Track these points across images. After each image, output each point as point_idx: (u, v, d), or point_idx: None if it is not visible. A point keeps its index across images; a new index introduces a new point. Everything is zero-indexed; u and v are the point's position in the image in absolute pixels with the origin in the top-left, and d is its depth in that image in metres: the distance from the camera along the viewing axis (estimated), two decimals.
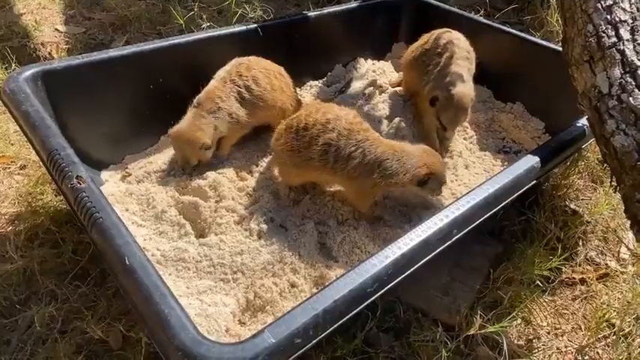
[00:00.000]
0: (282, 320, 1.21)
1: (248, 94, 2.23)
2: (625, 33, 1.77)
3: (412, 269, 1.45)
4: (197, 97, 2.19)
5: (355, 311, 1.31)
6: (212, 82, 2.24)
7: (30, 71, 1.97)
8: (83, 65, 2.10)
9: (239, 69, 2.25)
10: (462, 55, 2.48)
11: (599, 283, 2.12)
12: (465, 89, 2.36)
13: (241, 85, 2.22)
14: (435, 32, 2.61)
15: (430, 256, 1.50)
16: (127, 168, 2.28)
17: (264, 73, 2.29)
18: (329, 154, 1.94)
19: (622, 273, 2.14)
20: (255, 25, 2.62)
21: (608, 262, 2.20)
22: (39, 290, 1.88)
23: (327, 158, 1.95)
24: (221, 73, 2.26)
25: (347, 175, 1.95)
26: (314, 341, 1.24)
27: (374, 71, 3.03)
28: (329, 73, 3.06)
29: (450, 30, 2.61)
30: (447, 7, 3.14)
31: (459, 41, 2.53)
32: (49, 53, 3.07)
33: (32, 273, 1.92)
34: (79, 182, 1.51)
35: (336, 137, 1.94)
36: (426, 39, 2.62)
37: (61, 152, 1.62)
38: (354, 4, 3.06)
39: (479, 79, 2.86)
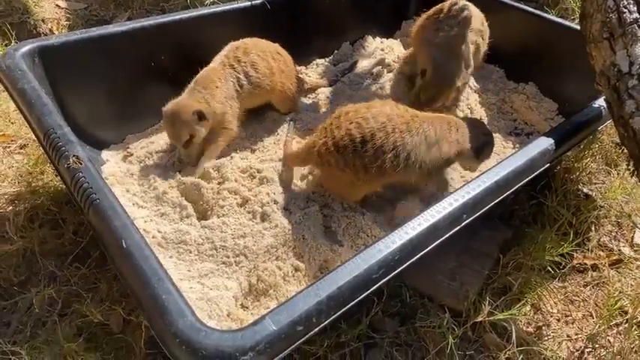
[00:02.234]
0: (284, 307, 1.16)
1: (246, 81, 2.17)
2: None
3: (420, 255, 1.39)
4: (195, 78, 2.11)
5: (360, 298, 1.27)
6: (210, 65, 2.16)
7: (26, 47, 1.91)
8: (81, 41, 2.03)
9: (236, 53, 2.17)
10: (475, 27, 2.42)
11: (612, 269, 2.06)
12: (450, 75, 2.31)
13: (240, 71, 2.16)
14: (449, 2, 2.49)
15: (439, 241, 1.44)
16: (128, 148, 2.23)
17: (262, 56, 2.22)
18: (400, 156, 1.79)
19: (635, 259, 2.08)
20: (261, 1, 2.54)
21: (622, 248, 2.14)
22: (39, 272, 1.85)
23: (398, 161, 1.79)
24: (218, 58, 2.18)
25: (419, 167, 1.84)
26: (317, 328, 1.20)
27: (382, 49, 2.94)
28: (335, 51, 2.97)
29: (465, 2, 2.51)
30: None
31: (470, 13, 2.42)
32: (50, 29, 3.01)
33: (32, 254, 1.90)
34: (75, 162, 1.46)
35: (399, 136, 1.80)
36: (439, 8, 2.49)
37: (57, 131, 1.57)
38: None
39: (490, 58, 2.79)
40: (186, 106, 2.00)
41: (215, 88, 2.08)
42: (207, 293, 1.63)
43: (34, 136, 2.28)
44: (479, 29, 2.47)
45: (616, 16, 1.71)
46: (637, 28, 1.66)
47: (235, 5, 2.47)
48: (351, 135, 1.80)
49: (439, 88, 2.31)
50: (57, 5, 3.15)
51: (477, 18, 2.48)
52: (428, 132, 1.86)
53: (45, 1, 3.14)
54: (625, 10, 1.69)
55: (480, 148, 2.02)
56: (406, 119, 1.86)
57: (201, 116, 2.01)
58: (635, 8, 1.69)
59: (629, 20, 1.68)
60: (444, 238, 1.46)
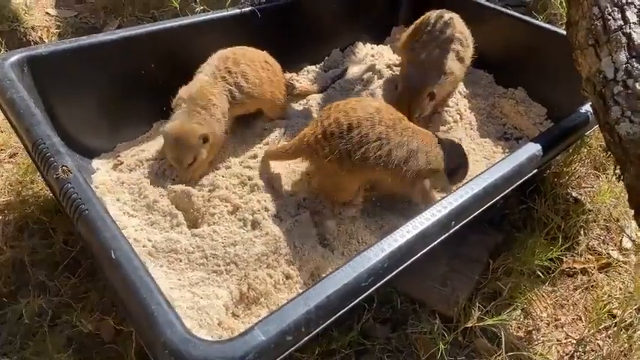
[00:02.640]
0: (273, 317, 1.17)
1: (238, 92, 2.16)
2: (632, 15, 1.70)
3: (409, 262, 1.40)
4: (188, 93, 2.08)
5: (349, 306, 1.27)
6: (202, 77, 2.14)
7: (15, 57, 1.90)
8: (71, 50, 2.03)
9: (227, 64, 2.16)
10: (455, 35, 2.49)
11: (601, 273, 2.08)
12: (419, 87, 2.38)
13: (232, 82, 2.15)
14: (429, 13, 2.58)
15: (428, 248, 1.45)
16: (118, 156, 2.23)
17: (252, 66, 2.22)
18: (383, 148, 1.83)
19: (624, 263, 2.10)
20: (251, 8, 2.54)
21: (610, 252, 2.16)
22: (29, 282, 1.84)
23: (380, 153, 1.83)
24: (208, 68, 2.16)
25: (395, 166, 1.86)
26: (306, 338, 1.20)
27: (372, 56, 2.96)
28: (326, 58, 2.98)
29: (445, 11, 2.58)
30: None
31: (452, 23, 2.52)
32: (40, 37, 3.00)
33: (22, 264, 1.88)
34: (64, 172, 1.46)
35: (385, 130, 1.84)
36: (420, 20, 2.60)
37: (46, 141, 1.56)
38: None
39: (479, 63, 2.81)
40: (193, 130, 1.98)
41: (212, 106, 2.06)
42: (198, 302, 1.63)
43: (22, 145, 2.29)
44: (457, 37, 2.51)
45: (601, 24, 1.73)
46: (621, 35, 1.68)
47: (226, 13, 2.48)
48: (339, 122, 1.85)
49: (409, 97, 2.39)
50: (47, 13, 3.14)
51: (457, 26, 2.53)
52: (410, 139, 1.89)
53: (35, 9, 3.14)
54: (610, 18, 1.71)
55: (454, 170, 2.05)
56: (394, 118, 1.91)
57: (205, 140, 2.01)
58: (620, 15, 1.71)
59: (613, 27, 1.70)
60: (432, 245, 1.47)
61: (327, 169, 1.90)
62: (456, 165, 2.05)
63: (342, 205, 2.02)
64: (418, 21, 2.62)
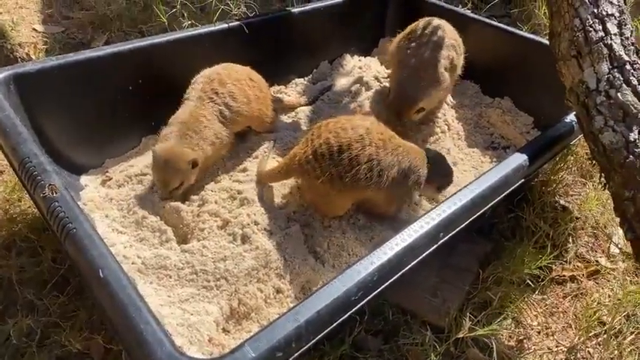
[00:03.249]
0: (263, 333, 1.16)
1: (228, 111, 2.13)
2: (612, 27, 1.74)
3: (398, 275, 1.41)
4: (178, 119, 2.05)
5: (339, 321, 1.27)
6: (189, 104, 2.10)
7: (1, 75, 1.89)
8: (58, 67, 2.02)
9: (213, 85, 2.12)
10: (447, 42, 2.50)
11: (590, 280, 2.10)
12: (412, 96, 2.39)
13: (220, 103, 2.11)
14: (421, 21, 2.60)
15: (417, 260, 1.46)
16: (107, 172, 2.22)
17: (238, 85, 2.19)
18: (373, 169, 1.83)
19: (612, 270, 2.12)
20: (238, 22, 2.56)
21: (599, 259, 2.18)
22: (17, 301, 1.82)
23: (372, 175, 1.83)
24: (194, 93, 2.12)
25: (386, 186, 1.87)
26: (297, 353, 1.20)
27: (360, 68, 2.98)
28: (314, 70, 3.00)
29: (434, 19, 2.60)
30: (434, 0, 3.10)
31: (444, 34, 2.52)
32: (27, 54, 2.98)
33: (10, 283, 1.86)
34: (51, 191, 1.45)
35: (375, 151, 1.83)
36: (411, 28, 2.61)
37: (33, 160, 1.55)
38: (339, 0, 3.00)
39: (466, 74, 2.84)
40: (183, 154, 1.95)
41: (204, 129, 2.04)
42: (188, 319, 1.62)
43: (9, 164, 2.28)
44: (451, 44, 2.53)
45: (583, 35, 1.76)
46: (603, 46, 1.71)
47: (214, 28, 2.48)
48: (329, 144, 1.84)
49: (400, 107, 2.41)
50: (34, 29, 3.13)
51: (450, 33, 2.55)
52: (402, 158, 1.90)
53: (22, 25, 3.12)
54: (591, 29, 1.74)
55: (442, 180, 2.08)
56: (384, 137, 1.89)
57: (194, 165, 1.98)
58: (601, 27, 1.74)
59: (595, 39, 1.73)
60: (421, 257, 1.48)
61: (318, 189, 1.90)
62: (443, 175, 2.07)
63: (332, 218, 2.02)
64: (411, 26, 2.61)
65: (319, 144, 1.86)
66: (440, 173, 2.06)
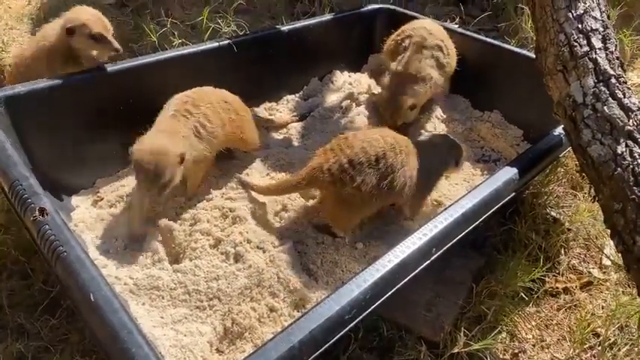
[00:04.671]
0: (256, 355, 1.16)
1: (203, 130, 2.07)
2: (597, 42, 1.77)
3: (391, 292, 1.40)
4: (156, 128, 2.00)
5: (333, 340, 1.27)
6: (163, 118, 2.04)
7: None
8: (48, 89, 2.03)
9: (186, 107, 2.06)
10: (432, 43, 2.64)
11: (583, 291, 2.10)
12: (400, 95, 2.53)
13: (195, 121, 2.05)
14: (411, 22, 2.80)
15: (410, 276, 1.46)
16: (98, 192, 2.21)
17: (211, 108, 2.13)
18: (406, 175, 1.96)
19: (605, 281, 2.13)
20: (229, 41, 2.58)
21: (591, 270, 2.18)
22: (7, 325, 1.80)
23: (404, 181, 1.96)
24: (168, 112, 2.05)
25: (412, 189, 2.00)
26: None
27: (350, 84, 3.01)
28: (305, 87, 3.02)
29: (426, 20, 2.80)
30: (421, 16, 3.13)
31: (425, 31, 2.68)
32: None
33: (0, 307, 1.84)
34: (41, 214, 1.44)
35: (405, 158, 1.97)
36: (402, 29, 2.79)
37: (23, 183, 1.55)
38: (328, 17, 3.04)
39: (456, 88, 2.88)
40: (172, 146, 1.87)
41: (182, 139, 1.98)
42: (181, 340, 1.61)
43: None
44: (436, 44, 2.64)
45: (568, 50, 1.79)
46: (588, 60, 1.74)
47: (203, 47, 2.50)
48: (366, 152, 1.91)
49: (393, 110, 2.56)
50: None
51: (437, 33, 2.70)
52: (415, 160, 2.02)
53: (12, 46, 3.13)
54: (576, 44, 1.77)
55: (456, 159, 2.18)
56: (405, 143, 2.02)
57: (182, 160, 1.90)
58: (585, 42, 1.77)
59: (580, 53, 1.76)
60: (414, 273, 1.48)
61: (349, 198, 1.92)
62: (455, 150, 2.17)
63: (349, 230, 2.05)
64: (399, 30, 2.78)
65: (355, 153, 1.91)
66: (452, 152, 2.16)
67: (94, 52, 2.29)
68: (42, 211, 1.45)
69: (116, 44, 2.26)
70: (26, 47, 2.41)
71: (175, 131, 1.99)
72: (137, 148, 1.88)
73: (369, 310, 1.35)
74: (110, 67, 2.23)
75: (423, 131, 2.68)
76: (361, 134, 2.02)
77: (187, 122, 2.04)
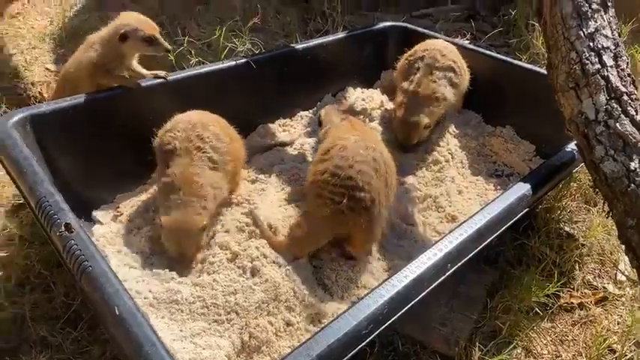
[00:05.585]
0: None
1: (217, 154, 2.07)
2: (608, 59, 1.79)
3: (407, 307, 1.43)
4: (173, 183, 1.97)
5: (351, 354, 1.29)
6: (178, 161, 2.02)
7: (18, 116, 1.96)
8: (71, 107, 2.10)
9: (196, 131, 2.06)
10: (445, 64, 2.70)
11: (598, 307, 2.10)
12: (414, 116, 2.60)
13: (207, 148, 2.05)
14: (424, 43, 2.85)
15: (425, 292, 1.48)
16: (118, 207, 2.26)
17: (217, 127, 2.14)
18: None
19: (620, 296, 2.13)
20: (245, 59, 2.64)
21: (606, 286, 2.19)
22: (30, 338, 1.84)
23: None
24: (178, 143, 2.04)
25: None
26: None
27: (363, 99, 3.04)
28: (318, 103, 3.07)
29: (437, 41, 2.84)
30: (432, 33, 3.19)
31: (437, 52, 2.73)
32: (39, 92, 3.07)
33: (23, 319, 1.89)
34: (67, 230, 1.49)
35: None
36: (414, 49, 2.85)
37: (49, 199, 1.60)
38: (341, 35, 3.09)
39: (468, 104, 2.91)
40: (194, 223, 1.93)
41: (201, 188, 1.98)
42: (200, 353, 1.63)
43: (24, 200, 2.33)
44: (448, 65, 2.70)
45: (580, 67, 1.81)
46: (599, 78, 1.76)
47: (222, 65, 2.57)
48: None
49: (407, 131, 2.62)
50: (46, 69, 3.23)
51: (449, 54, 2.75)
52: None
53: (34, 64, 3.23)
54: (587, 62, 1.80)
55: None
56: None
57: (204, 229, 1.98)
58: (597, 59, 1.80)
59: (592, 71, 1.78)
60: (430, 288, 1.50)
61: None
62: None
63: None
64: (412, 50, 2.84)
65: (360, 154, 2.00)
66: None
67: (149, 53, 2.35)
68: (68, 226, 1.50)
69: (167, 44, 2.34)
70: (71, 61, 2.45)
71: (193, 183, 1.98)
72: (164, 223, 1.92)
73: (386, 324, 1.37)
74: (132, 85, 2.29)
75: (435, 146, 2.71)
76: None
77: (202, 156, 2.04)
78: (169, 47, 2.34)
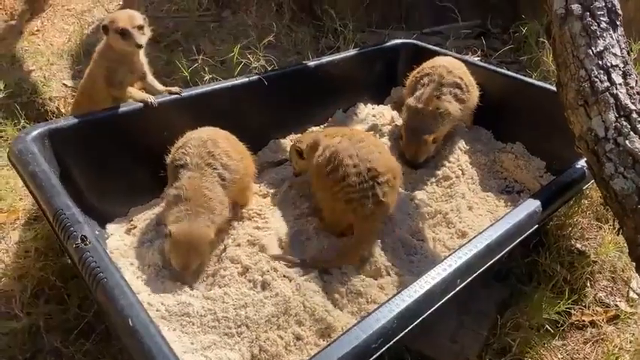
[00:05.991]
0: None
1: (227, 172, 2.11)
2: (617, 77, 1.81)
3: (416, 322, 1.43)
4: (183, 194, 2.01)
5: None
6: (189, 174, 2.06)
7: (37, 131, 2.02)
8: (88, 122, 2.15)
9: (207, 148, 2.10)
10: (451, 80, 2.73)
11: (610, 325, 2.08)
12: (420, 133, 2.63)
13: (218, 165, 2.09)
14: (431, 60, 2.88)
15: (434, 307, 1.49)
16: (131, 220, 2.30)
17: (228, 144, 2.18)
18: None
19: (632, 314, 2.11)
20: (258, 76, 2.69)
21: (618, 303, 2.17)
22: (44, 348, 1.87)
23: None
24: (189, 159, 2.08)
25: None
26: None
27: (374, 115, 3.08)
28: (329, 119, 3.11)
29: (444, 58, 2.87)
30: (443, 50, 3.22)
31: (444, 69, 2.76)
32: (57, 107, 3.15)
33: (37, 330, 1.92)
34: (83, 242, 1.53)
35: None
36: (422, 67, 2.89)
37: (66, 212, 1.64)
38: (352, 52, 3.14)
39: (478, 120, 2.92)
40: (203, 235, 1.96)
41: (210, 201, 2.02)
42: None
43: (41, 213, 2.38)
44: (454, 82, 2.72)
45: (589, 85, 1.83)
46: (609, 95, 1.78)
47: (235, 81, 2.62)
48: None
49: (415, 149, 2.66)
50: (64, 84, 3.32)
51: (455, 71, 2.77)
52: None
53: (53, 80, 3.31)
54: (596, 80, 1.81)
55: None
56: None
57: (212, 243, 2.02)
58: (606, 77, 1.81)
59: (601, 89, 1.80)
60: (439, 304, 1.51)
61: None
62: None
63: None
64: (420, 67, 2.87)
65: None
66: None
67: (124, 47, 2.29)
68: (84, 238, 1.54)
69: (139, 40, 2.24)
70: (86, 74, 2.50)
71: (202, 195, 2.01)
72: (173, 233, 1.94)
73: (395, 339, 1.38)
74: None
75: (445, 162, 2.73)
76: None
77: (212, 172, 2.08)
78: (140, 43, 2.26)
